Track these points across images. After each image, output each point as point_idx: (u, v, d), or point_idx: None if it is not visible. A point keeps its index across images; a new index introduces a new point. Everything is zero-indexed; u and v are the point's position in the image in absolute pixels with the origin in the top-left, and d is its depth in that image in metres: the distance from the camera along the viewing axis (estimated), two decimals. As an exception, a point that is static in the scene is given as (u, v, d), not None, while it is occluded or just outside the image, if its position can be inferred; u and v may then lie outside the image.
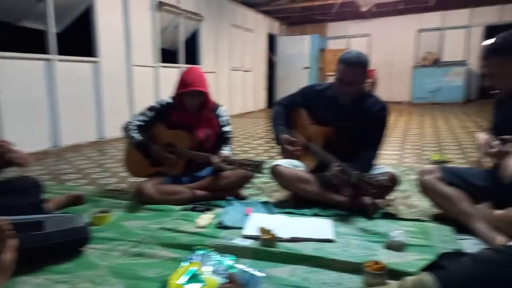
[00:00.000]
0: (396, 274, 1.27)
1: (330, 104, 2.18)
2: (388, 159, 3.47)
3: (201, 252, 1.34)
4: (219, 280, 1.20)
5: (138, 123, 2.30)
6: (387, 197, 2.17)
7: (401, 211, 2.05)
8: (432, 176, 1.83)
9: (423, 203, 2.09)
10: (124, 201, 2.25)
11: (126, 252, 1.58)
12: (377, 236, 1.69)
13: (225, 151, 2.29)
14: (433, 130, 5.27)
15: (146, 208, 2.10)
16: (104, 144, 4.66)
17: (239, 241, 1.63)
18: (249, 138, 4.99)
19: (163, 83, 5.79)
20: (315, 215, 1.97)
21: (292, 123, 2.37)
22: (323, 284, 1.31)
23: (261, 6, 8.94)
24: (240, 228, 1.77)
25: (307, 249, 1.57)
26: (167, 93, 2.28)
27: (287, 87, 8.43)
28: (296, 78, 9.35)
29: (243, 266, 1.26)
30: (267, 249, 1.53)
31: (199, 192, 2.24)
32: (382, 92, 10.21)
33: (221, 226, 1.83)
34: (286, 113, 2.37)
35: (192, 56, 6.80)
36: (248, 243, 1.61)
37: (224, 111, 2.42)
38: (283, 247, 1.57)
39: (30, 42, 4.31)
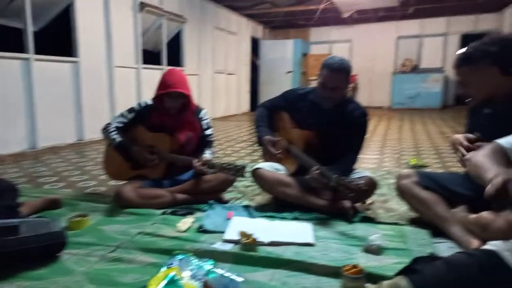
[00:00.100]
0: (373, 277, 1.29)
1: (312, 108, 2.21)
2: (368, 163, 3.53)
3: (181, 257, 1.33)
4: (198, 285, 1.19)
5: (117, 125, 2.27)
6: (366, 201, 2.22)
7: (379, 214, 2.09)
8: (409, 181, 1.87)
9: (401, 207, 2.14)
10: (103, 205, 2.21)
11: (104, 257, 1.55)
12: (356, 240, 1.71)
13: (207, 155, 2.29)
14: (411, 135, 5.39)
15: (126, 212, 2.07)
16: (83, 146, 4.57)
17: (219, 246, 1.63)
18: (231, 141, 4.99)
19: (145, 85, 5.72)
20: (295, 218, 1.99)
21: (274, 126, 2.39)
22: (303, 288, 1.32)
23: (245, 10, 8.97)
24: (221, 232, 1.77)
25: (287, 253, 1.58)
26: (149, 94, 2.26)
27: (270, 91, 8.48)
28: (279, 82, 9.42)
29: (222, 271, 1.26)
30: (247, 253, 1.53)
31: (180, 196, 2.22)
32: (363, 97, 10.42)
33: (202, 230, 1.82)
34: (269, 115, 2.39)
35: (175, 58, 6.75)
36: (228, 247, 1.61)
37: (206, 114, 2.41)
38: (263, 251, 1.58)
39: (6, 41, 4.18)
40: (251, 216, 2.04)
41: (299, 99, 2.28)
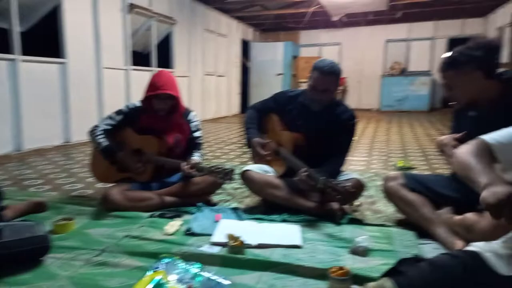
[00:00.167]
0: (360, 279, 1.30)
1: (302, 111, 2.22)
2: (356, 165, 3.56)
3: (167, 260, 1.32)
4: (184, 288, 1.19)
5: (105, 127, 2.24)
6: (354, 203, 2.23)
7: (367, 216, 2.10)
8: (395, 183, 1.89)
9: (388, 209, 2.16)
10: (89, 208, 2.18)
11: (89, 261, 1.53)
12: (343, 242, 1.72)
13: (195, 157, 2.28)
14: (399, 137, 5.46)
15: (112, 215, 2.05)
16: (70, 148, 4.51)
17: (207, 248, 1.62)
18: (221, 143, 4.98)
19: (135, 86, 5.68)
20: (284, 221, 1.99)
21: (264, 128, 2.40)
22: (289, 290, 1.32)
23: (235, 12, 8.98)
24: (209, 235, 1.76)
25: (274, 255, 1.58)
26: (138, 96, 2.24)
27: (261, 93, 8.50)
28: (269, 84, 9.44)
29: (209, 274, 1.25)
30: (235, 256, 1.53)
31: (168, 199, 2.21)
32: (352, 99, 10.52)
33: (190, 233, 1.81)
34: (259, 117, 2.39)
35: (164, 59, 6.72)
36: (215, 250, 1.61)
37: (195, 116, 2.40)
38: (250, 253, 1.57)
39: (-8, 41, 4.11)
40: (240, 218, 2.03)
41: (289, 102, 2.29)
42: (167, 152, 2.24)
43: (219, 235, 1.72)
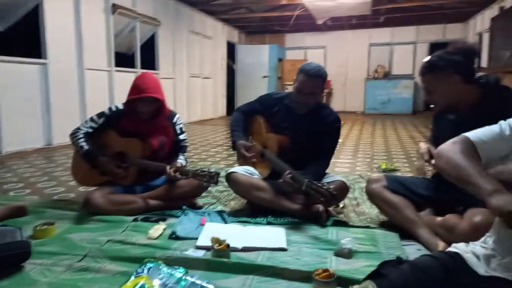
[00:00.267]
0: (344, 281, 1.31)
1: (287, 113, 2.23)
2: (341, 167, 3.59)
3: (151, 265, 1.30)
4: (168, 293, 1.17)
5: (86, 130, 2.20)
6: (339, 205, 2.25)
7: (351, 218, 2.12)
8: (378, 185, 1.91)
9: (372, 211, 2.19)
10: (71, 212, 2.13)
11: (70, 267, 1.49)
12: (328, 244, 1.73)
13: (180, 160, 2.26)
14: (383, 139, 5.54)
15: (95, 220, 2.01)
16: (51, 151, 4.41)
17: (192, 252, 1.61)
18: (207, 145, 4.95)
19: (118, 88, 5.61)
20: (269, 223, 1.99)
21: (249, 130, 2.40)
22: (274, 293, 1.32)
23: (220, 14, 8.97)
24: (194, 238, 1.75)
25: (259, 258, 1.58)
26: (122, 98, 2.21)
27: (247, 95, 8.51)
28: (255, 87, 9.45)
29: (193, 279, 1.24)
30: (219, 259, 1.52)
31: (152, 202, 2.18)
32: (337, 102, 10.64)
33: (174, 237, 1.79)
34: (244, 120, 2.40)
35: (149, 61, 6.65)
36: (200, 254, 1.60)
37: (180, 119, 2.39)
38: (235, 257, 1.57)
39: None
40: (225, 221, 2.03)
41: (274, 104, 2.30)
42: (151, 155, 2.22)
43: (204, 239, 1.71)
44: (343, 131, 6.20)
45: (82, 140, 2.15)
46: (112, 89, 5.62)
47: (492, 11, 7.53)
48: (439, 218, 1.73)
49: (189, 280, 1.23)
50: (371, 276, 1.12)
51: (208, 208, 2.29)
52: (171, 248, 1.67)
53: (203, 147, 4.78)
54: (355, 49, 10.62)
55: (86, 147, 2.14)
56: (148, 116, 2.22)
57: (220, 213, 2.14)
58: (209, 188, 2.43)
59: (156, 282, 1.22)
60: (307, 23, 9.45)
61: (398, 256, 1.34)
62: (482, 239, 1.18)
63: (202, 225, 1.92)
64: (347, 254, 1.60)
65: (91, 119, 2.24)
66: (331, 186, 1.83)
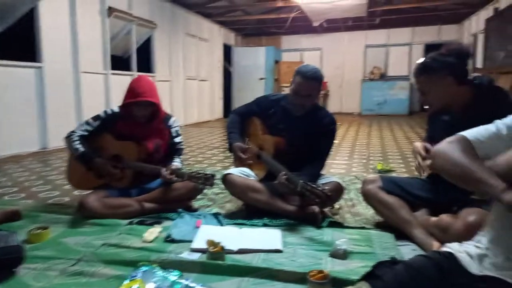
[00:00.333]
0: (339, 282, 1.31)
1: (283, 115, 2.23)
2: (337, 168, 3.60)
3: (145, 268, 1.30)
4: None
5: (81, 133, 2.19)
6: (334, 206, 2.26)
7: (347, 219, 2.13)
8: (374, 186, 1.92)
9: (368, 211, 2.19)
10: (65, 216, 2.12)
11: (65, 271, 1.48)
12: (323, 245, 1.73)
13: (175, 163, 2.25)
14: (379, 140, 5.55)
15: (90, 223, 2.00)
16: (47, 154, 4.39)
17: (187, 255, 1.60)
18: (203, 147, 4.95)
19: (114, 91, 5.59)
20: (265, 225, 1.99)
21: (246, 132, 2.40)
22: (269, 295, 1.32)
23: (216, 17, 8.99)
24: (189, 241, 1.74)
25: (255, 260, 1.57)
26: (118, 101, 2.20)
27: (244, 97, 8.51)
28: (252, 89, 9.46)
29: (187, 281, 1.24)
30: (215, 262, 1.51)
31: (148, 205, 2.17)
32: (334, 103, 10.67)
33: (169, 240, 1.78)
34: (241, 122, 2.40)
35: (145, 64, 6.65)
36: (195, 256, 1.59)
37: (175, 122, 2.38)
38: (231, 259, 1.56)
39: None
40: (221, 224, 2.02)
41: (271, 106, 2.31)
42: (146, 158, 2.21)
43: (199, 241, 1.70)
44: (340, 132, 6.21)
45: (78, 142, 2.15)
46: (108, 92, 5.61)
47: (486, 12, 7.58)
48: (433, 218, 1.73)
49: (184, 283, 1.22)
50: (366, 277, 1.12)
51: (204, 210, 2.29)
52: (166, 251, 1.67)
53: (199, 149, 4.78)
54: (351, 51, 10.65)
55: (81, 149, 2.13)
56: (144, 119, 2.22)
57: (215, 215, 2.13)
58: (205, 191, 2.43)
59: (150, 286, 1.22)
60: (303, 25, 9.48)
61: (392, 256, 1.34)
62: (476, 238, 1.18)
63: (198, 227, 1.91)
64: (342, 255, 1.60)
65: (87, 122, 2.24)
66: (326, 187, 1.84)
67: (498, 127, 1.10)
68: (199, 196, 2.41)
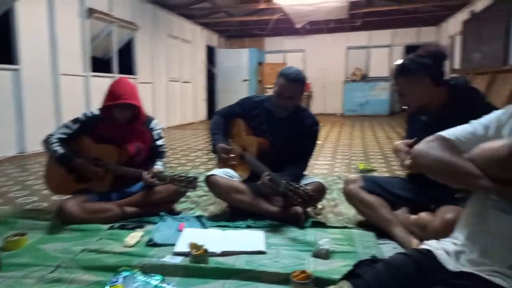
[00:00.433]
0: (321, 281, 1.32)
1: (267, 116, 2.24)
2: (320, 168, 3.63)
3: (126, 273, 1.28)
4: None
5: (60, 136, 2.14)
6: (317, 206, 2.27)
7: (330, 219, 2.15)
8: (355, 185, 1.94)
9: (350, 211, 2.22)
10: (44, 222, 2.07)
11: (42, 278, 1.44)
12: (306, 245, 1.74)
13: (157, 166, 2.23)
14: (361, 140, 5.63)
15: (69, 229, 1.95)
16: (25, 159, 4.27)
17: (169, 259, 1.58)
18: (187, 150, 4.91)
19: (95, 93, 5.49)
20: (249, 226, 1.99)
21: (229, 133, 2.40)
22: (253, 297, 1.32)
23: (199, 18, 8.95)
24: (172, 245, 1.72)
25: (238, 262, 1.57)
26: (99, 103, 2.16)
27: (227, 99, 8.50)
28: (235, 90, 9.47)
29: (169, 286, 1.22)
30: (198, 265, 1.50)
31: (129, 209, 2.14)
32: (317, 104, 10.76)
33: (151, 244, 1.76)
34: (224, 123, 2.40)
35: (127, 65, 6.56)
36: (178, 260, 1.57)
37: (157, 124, 2.36)
38: (214, 262, 1.56)
39: None
40: (204, 226, 2.01)
41: (254, 107, 2.32)
42: (127, 161, 2.18)
43: (182, 245, 1.69)
44: (323, 133, 6.27)
45: (56, 144, 2.09)
46: (89, 94, 5.51)
47: (463, 15, 7.79)
48: (413, 217, 1.76)
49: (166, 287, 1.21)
50: (347, 276, 1.13)
51: (187, 213, 2.27)
52: (148, 255, 1.64)
53: (182, 152, 4.74)
54: (333, 52, 10.78)
55: (61, 150, 2.08)
56: (125, 122, 2.18)
57: (199, 218, 2.12)
58: (188, 193, 2.41)
59: (131, 291, 1.20)
60: (286, 27, 9.54)
61: (373, 255, 1.36)
62: (454, 235, 1.21)
63: (180, 231, 1.89)
64: (324, 255, 1.61)
65: (66, 125, 2.19)
66: (309, 187, 1.85)
67: (474, 127, 1.13)
68: (182, 199, 2.39)
